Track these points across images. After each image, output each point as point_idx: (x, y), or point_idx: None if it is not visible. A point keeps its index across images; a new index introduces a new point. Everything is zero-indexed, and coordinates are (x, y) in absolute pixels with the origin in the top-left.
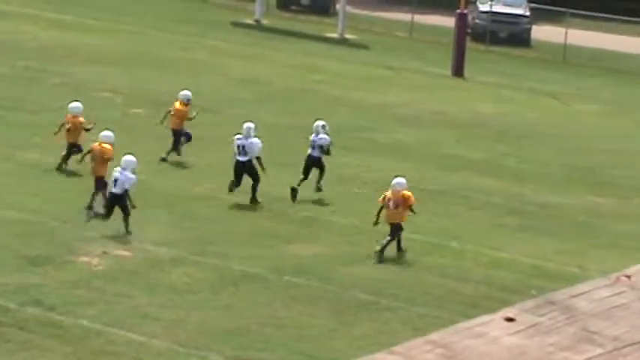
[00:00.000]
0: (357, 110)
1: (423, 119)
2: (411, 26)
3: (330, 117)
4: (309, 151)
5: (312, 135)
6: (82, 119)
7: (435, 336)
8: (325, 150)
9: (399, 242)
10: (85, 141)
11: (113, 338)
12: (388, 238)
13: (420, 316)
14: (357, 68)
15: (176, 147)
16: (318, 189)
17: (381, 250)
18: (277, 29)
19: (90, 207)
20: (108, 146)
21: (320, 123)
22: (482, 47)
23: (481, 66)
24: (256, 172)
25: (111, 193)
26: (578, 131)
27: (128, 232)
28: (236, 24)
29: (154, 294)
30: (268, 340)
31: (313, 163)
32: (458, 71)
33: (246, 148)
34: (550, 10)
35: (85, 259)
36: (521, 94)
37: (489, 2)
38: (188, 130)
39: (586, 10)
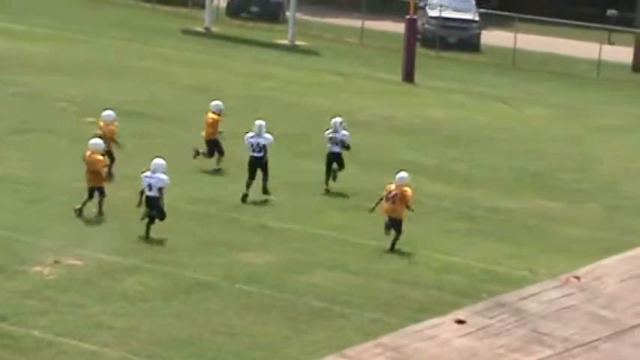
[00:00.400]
0: (309, 116)
1: (374, 125)
2: (362, 32)
3: (282, 123)
4: (330, 147)
5: (330, 132)
6: (114, 127)
7: (385, 339)
8: (346, 145)
9: (393, 242)
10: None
11: (65, 348)
12: (394, 234)
13: (372, 321)
14: (308, 74)
15: (211, 154)
16: (334, 178)
17: (392, 248)
18: (227, 36)
19: (79, 211)
20: (99, 157)
21: (338, 120)
22: (432, 53)
23: (431, 71)
24: (267, 167)
25: (147, 196)
26: (528, 135)
27: (147, 237)
28: (186, 32)
29: (107, 303)
30: (220, 348)
31: (335, 158)
32: (408, 77)
33: (260, 145)
34: (499, 15)
35: (37, 268)
36: (471, 99)
37: (439, 8)
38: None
39: (535, 15)
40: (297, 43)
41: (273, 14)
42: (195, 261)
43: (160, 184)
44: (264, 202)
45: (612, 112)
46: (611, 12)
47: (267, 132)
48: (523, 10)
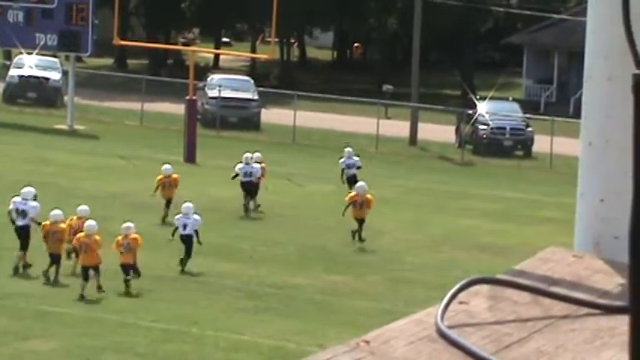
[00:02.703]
0: (90, 200)
1: (158, 206)
2: (141, 114)
3: (65, 208)
4: (347, 173)
5: (344, 159)
6: (175, 176)
7: None
8: (358, 167)
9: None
10: None
11: None
12: (359, 230)
13: None
14: (88, 158)
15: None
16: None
17: (361, 239)
18: (5, 123)
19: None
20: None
21: (350, 149)
22: (213, 132)
23: (213, 151)
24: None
25: (182, 235)
26: (312, 211)
27: (185, 270)
28: None
29: None
30: None
31: (353, 178)
32: (190, 157)
33: (249, 172)
34: (278, 94)
35: None
36: None
37: (218, 88)
38: None
39: (313, 92)
40: (77, 127)
41: (50, 99)
42: None
43: (196, 226)
44: (49, 288)
45: (391, 185)
46: (386, 87)
47: (257, 162)
48: (301, 87)
